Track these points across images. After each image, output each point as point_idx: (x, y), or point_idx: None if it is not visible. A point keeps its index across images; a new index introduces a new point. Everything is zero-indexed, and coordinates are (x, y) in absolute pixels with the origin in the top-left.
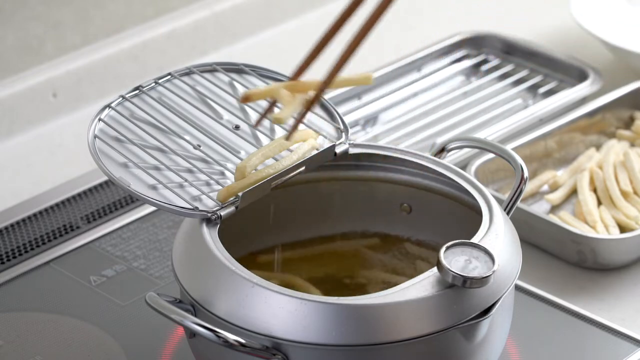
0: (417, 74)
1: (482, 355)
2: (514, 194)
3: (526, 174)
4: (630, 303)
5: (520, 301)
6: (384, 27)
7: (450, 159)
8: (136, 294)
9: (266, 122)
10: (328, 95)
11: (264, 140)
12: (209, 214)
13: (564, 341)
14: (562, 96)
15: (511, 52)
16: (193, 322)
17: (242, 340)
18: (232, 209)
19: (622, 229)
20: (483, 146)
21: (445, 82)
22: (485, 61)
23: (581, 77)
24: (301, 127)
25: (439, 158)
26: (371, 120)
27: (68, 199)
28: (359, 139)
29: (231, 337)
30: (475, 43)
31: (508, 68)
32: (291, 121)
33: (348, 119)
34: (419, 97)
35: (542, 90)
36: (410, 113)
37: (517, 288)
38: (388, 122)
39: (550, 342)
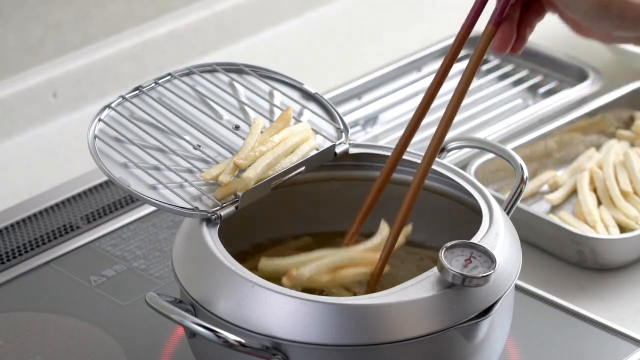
0: (417, 73)
1: (482, 355)
2: (514, 194)
3: (526, 174)
4: (630, 303)
5: (520, 301)
6: (384, 27)
7: (450, 159)
8: (136, 294)
9: (266, 123)
10: (328, 95)
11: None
12: (209, 214)
13: (564, 341)
14: (562, 96)
15: None
16: (193, 322)
17: (242, 340)
18: (232, 208)
19: (622, 229)
20: (483, 146)
21: (445, 81)
22: (485, 61)
23: (581, 77)
24: (301, 126)
25: (439, 158)
26: (371, 120)
27: (68, 199)
28: (359, 139)
29: (231, 337)
30: (475, 43)
31: (508, 68)
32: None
33: (348, 119)
34: (419, 97)
35: (542, 90)
36: (410, 113)
37: (517, 288)
38: (388, 122)
39: (550, 342)
